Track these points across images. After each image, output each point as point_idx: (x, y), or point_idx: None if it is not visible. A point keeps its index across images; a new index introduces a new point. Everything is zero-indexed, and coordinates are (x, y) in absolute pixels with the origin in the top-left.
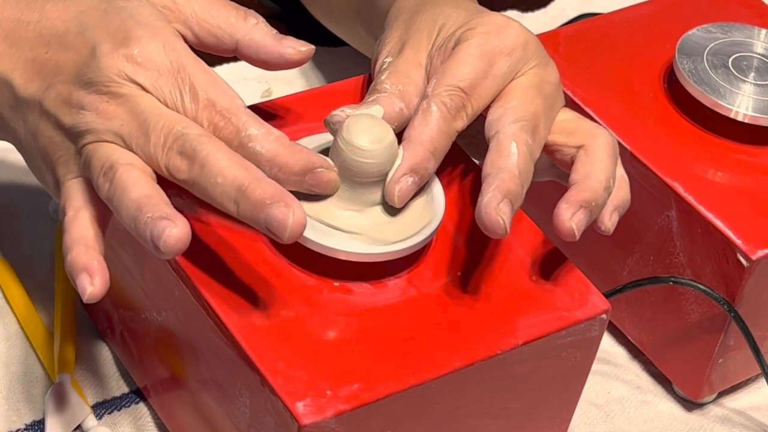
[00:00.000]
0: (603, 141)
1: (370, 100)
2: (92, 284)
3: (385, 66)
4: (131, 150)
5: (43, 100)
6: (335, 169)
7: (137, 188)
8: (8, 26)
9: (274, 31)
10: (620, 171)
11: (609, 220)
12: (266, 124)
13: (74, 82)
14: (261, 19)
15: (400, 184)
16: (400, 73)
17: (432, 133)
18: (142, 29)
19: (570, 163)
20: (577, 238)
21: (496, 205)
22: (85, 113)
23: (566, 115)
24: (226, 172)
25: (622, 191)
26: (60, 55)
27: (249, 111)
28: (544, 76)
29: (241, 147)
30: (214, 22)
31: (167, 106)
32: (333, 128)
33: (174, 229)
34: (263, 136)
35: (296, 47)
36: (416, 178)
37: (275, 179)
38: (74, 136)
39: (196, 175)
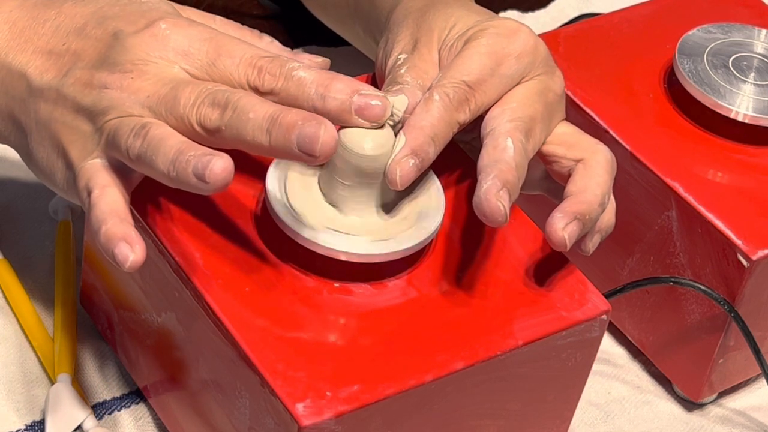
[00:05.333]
0: (602, 157)
1: (394, 89)
2: (133, 251)
3: (400, 62)
4: (160, 118)
5: (61, 87)
6: (384, 98)
7: (173, 137)
8: (24, 23)
9: (288, 49)
10: (610, 192)
11: (591, 242)
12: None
13: (95, 66)
14: (275, 40)
15: (401, 165)
16: (419, 69)
17: (433, 119)
18: (163, 14)
19: (566, 176)
20: (568, 248)
21: (496, 192)
22: (107, 91)
23: (568, 129)
24: (257, 108)
25: (607, 215)
26: (79, 45)
27: (285, 55)
28: (550, 84)
29: (285, 78)
30: (237, 35)
31: (197, 76)
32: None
33: (220, 160)
34: (307, 65)
35: (310, 59)
36: (417, 160)
37: (321, 102)
38: (95, 114)
39: (228, 118)
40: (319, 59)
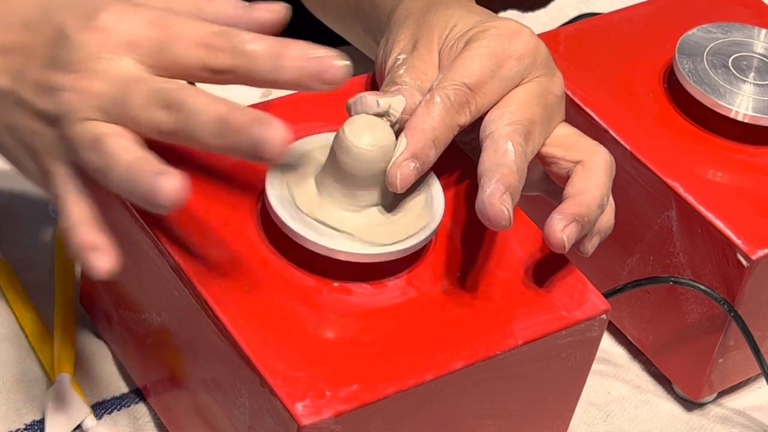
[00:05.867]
0: (601, 159)
1: (392, 89)
2: (103, 260)
3: (399, 62)
4: (115, 121)
5: (17, 90)
6: (346, 59)
7: (127, 153)
8: None
9: (245, 3)
10: (609, 194)
11: (589, 243)
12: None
13: (47, 66)
14: None
15: (402, 168)
16: (418, 70)
17: (434, 122)
18: (104, 2)
19: (565, 177)
20: (567, 250)
21: (500, 196)
22: (63, 94)
23: (567, 130)
24: (207, 108)
25: (606, 216)
26: (27, 40)
27: (233, 28)
28: (549, 86)
29: (237, 54)
30: (184, 8)
31: (148, 65)
32: (357, 112)
33: (171, 181)
34: (255, 37)
35: (267, 8)
36: (417, 164)
37: (278, 72)
38: (54, 120)
39: (179, 120)
40: (277, 7)
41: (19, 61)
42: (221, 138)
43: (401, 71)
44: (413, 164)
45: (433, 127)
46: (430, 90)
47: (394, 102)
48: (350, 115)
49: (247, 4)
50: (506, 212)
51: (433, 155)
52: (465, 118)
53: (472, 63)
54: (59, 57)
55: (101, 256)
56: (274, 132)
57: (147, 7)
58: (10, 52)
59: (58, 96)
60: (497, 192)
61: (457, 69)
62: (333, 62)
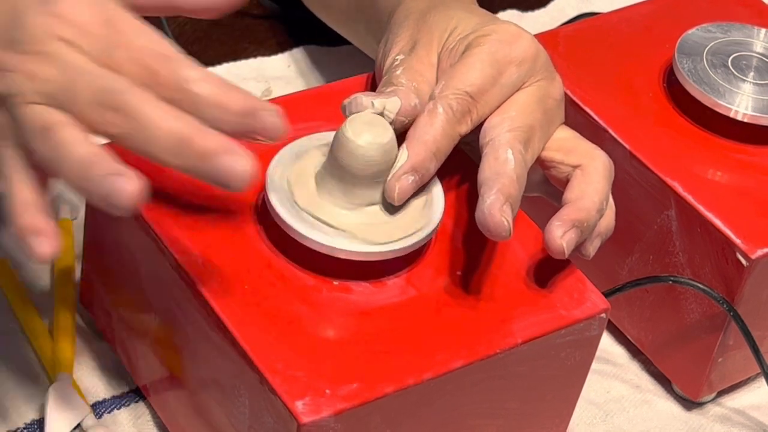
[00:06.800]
0: (600, 163)
1: (388, 90)
2: (45, 245)
3: (397, 63)
4: (62, 109)
5: None
6: (281, 113)
7: (78, 146)
8: None
9: None
10: (609, 197)
11: (591, 246)
12: (204, 68)
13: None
14: None
15: (401, 182)
16: (415, 71)
17: (436, 134)
18: None
19: (564, 181)
20: (566, 256)
21: (500, 207)
22: (10, 74)
23: (566, 134)
24: (162, 123)
25: (607, 218)
26: None
27: (184, 55)
28: (549, 90)
29: (178, 90)
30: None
31: (99, 62)
32: (352, 113)
33: (128, 183)
34: (201, 77)
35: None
36: (417, 177)
37: (216, 123)
38: (2, 99)
39: (130, 128)
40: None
41: None
42: (179, 158)
43: (398, 72)
44: (412, 177)
45: (435, 139)
46: (432, 98)
47: (388, 103)
48: (345, 116)
49: None
50: (506, 223)
51: (433, 167)
52: (466, 127)
53: (474, 71)
54: (11, 36)
55: (43, 240)
56: (241, 164)
57: (109, 4)
58: None
59: (6, 76)
60: (497, 203)
61: (459, 77)
62: (271, 118)
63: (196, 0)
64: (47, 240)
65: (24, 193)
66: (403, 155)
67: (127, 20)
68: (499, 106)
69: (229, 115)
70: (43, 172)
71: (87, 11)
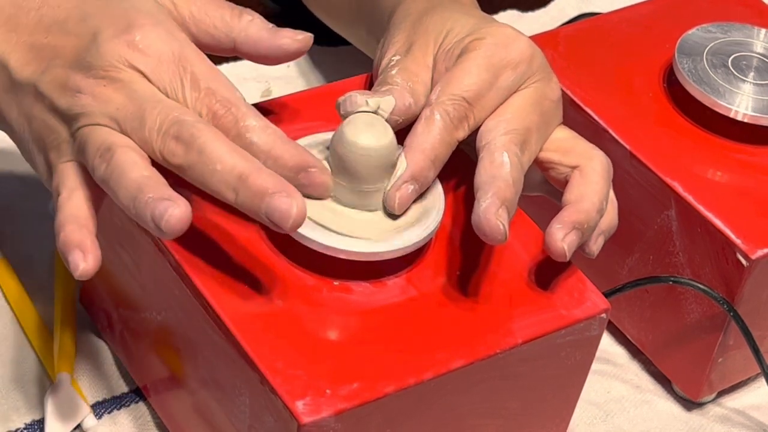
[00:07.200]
0: (598, 163)
1: (383, 89)
2: (85, 261)
3: (393, 63)
4: (126, 134)
5: (39, 83)
6: (329, 172)
7: (136, 169)
8: (8, 12)
9: (270, 25)
10: (610, 194)
11: (595, 244)
12: (264, 118)
13: (72, 67)
14: (256, 15)
15: (401, 191)
16: (410, 71)
17: (434, 141)
18: (144, 18)
19: (564, 182)
20: (568, 258)
21: (495, 211)
22: (81, 96)
23: (564, 134)
24: (225, 159)
25: (609, 216)
26: (60, 41)
27: (248, 104)
28: (546, 91)
29: (238, 137)
30: (210, 22)
31: (166, 95)
32: (347, 111)
33: (176, 210)
34: (261, 128)
35: (293, 37)
36: (417, 185)
37: (267, 168)
38: (68, 119)
39: (193, 160)
40: (301, 36)
41: (49, 56)
42: (237, 194)
43: (393, 72)
44: (412, 186)
45: (433, 147)
46: (429, 104)
47: (383, 102)
48: (339, 114)
49: (273, 27)
50: (502, 227)
51: (432, 175)
52: (463, 133)
53: (470, 75)
54: (85, 60)
55: (83, 256)
56: (297, 207)
57: (177, 37)
58: (42, 48)
59: (76, 97)
60: (493, 207)
61: (455, 82)
62: (321, 177)
63: (266, 47)
64: (85, 256)
65: (71, 206)
66: (402, 164)
67: (198, 60)
68: (495, 109)
69: (283, 169)
70: (99, 193)
71: (162, 46)
